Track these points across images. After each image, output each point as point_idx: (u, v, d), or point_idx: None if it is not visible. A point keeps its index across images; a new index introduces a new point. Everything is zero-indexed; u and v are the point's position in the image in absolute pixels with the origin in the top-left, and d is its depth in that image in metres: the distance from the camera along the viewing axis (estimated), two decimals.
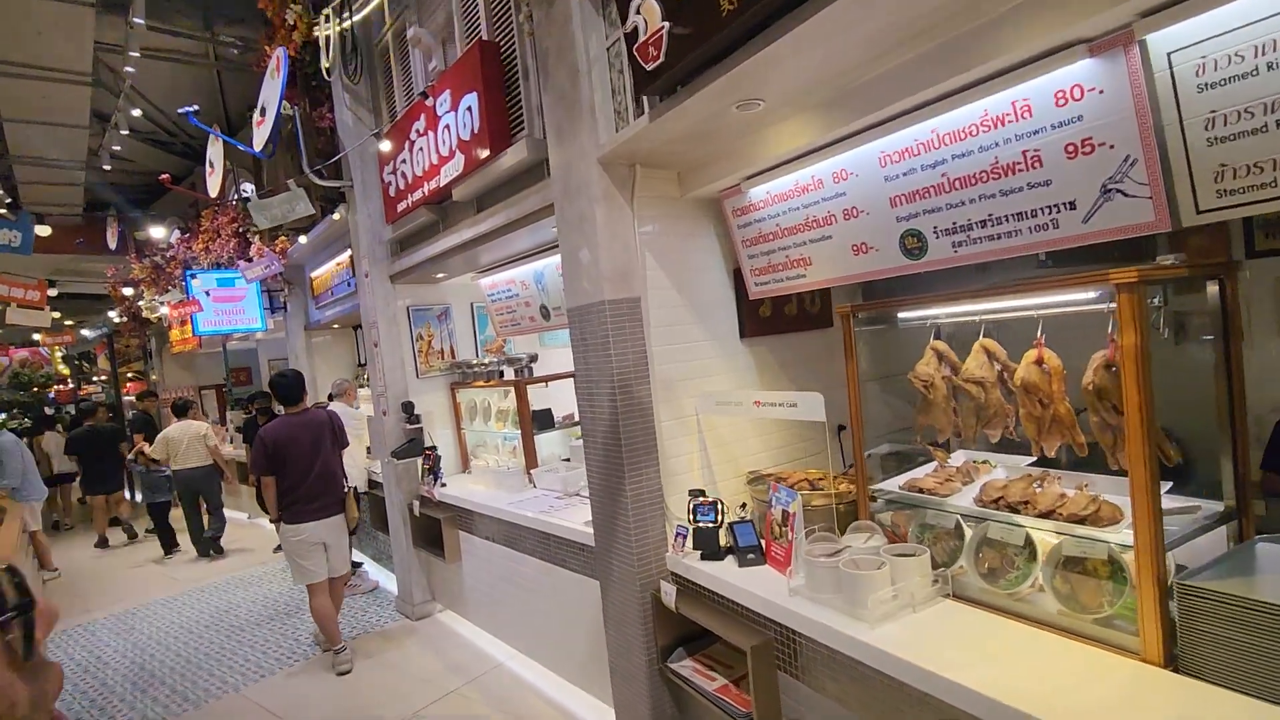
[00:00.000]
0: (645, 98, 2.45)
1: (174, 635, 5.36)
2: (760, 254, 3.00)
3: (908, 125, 2.19)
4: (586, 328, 2.95)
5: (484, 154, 3.50)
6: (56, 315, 6.17)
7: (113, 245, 10.66)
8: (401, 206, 4.52)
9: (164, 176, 6.61)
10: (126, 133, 7.22)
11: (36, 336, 9.15)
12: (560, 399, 5.14)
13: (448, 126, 3.75)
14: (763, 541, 2.68)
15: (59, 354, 20.35)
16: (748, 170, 2.79)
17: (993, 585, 2.09)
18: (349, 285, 6.07)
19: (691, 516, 2.78)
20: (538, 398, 4.89)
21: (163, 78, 7.42)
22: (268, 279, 7.08)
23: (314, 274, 6.87)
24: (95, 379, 20.92)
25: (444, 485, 4.94)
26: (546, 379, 4.87)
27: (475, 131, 3.50)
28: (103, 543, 8.73)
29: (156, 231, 6.00)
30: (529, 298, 4.66)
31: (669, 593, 2.74)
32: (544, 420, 4.82)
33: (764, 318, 3.38)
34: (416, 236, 4.69)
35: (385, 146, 4.32)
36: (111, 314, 7.17)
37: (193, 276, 6.82)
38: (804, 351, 3.60)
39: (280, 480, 4.34)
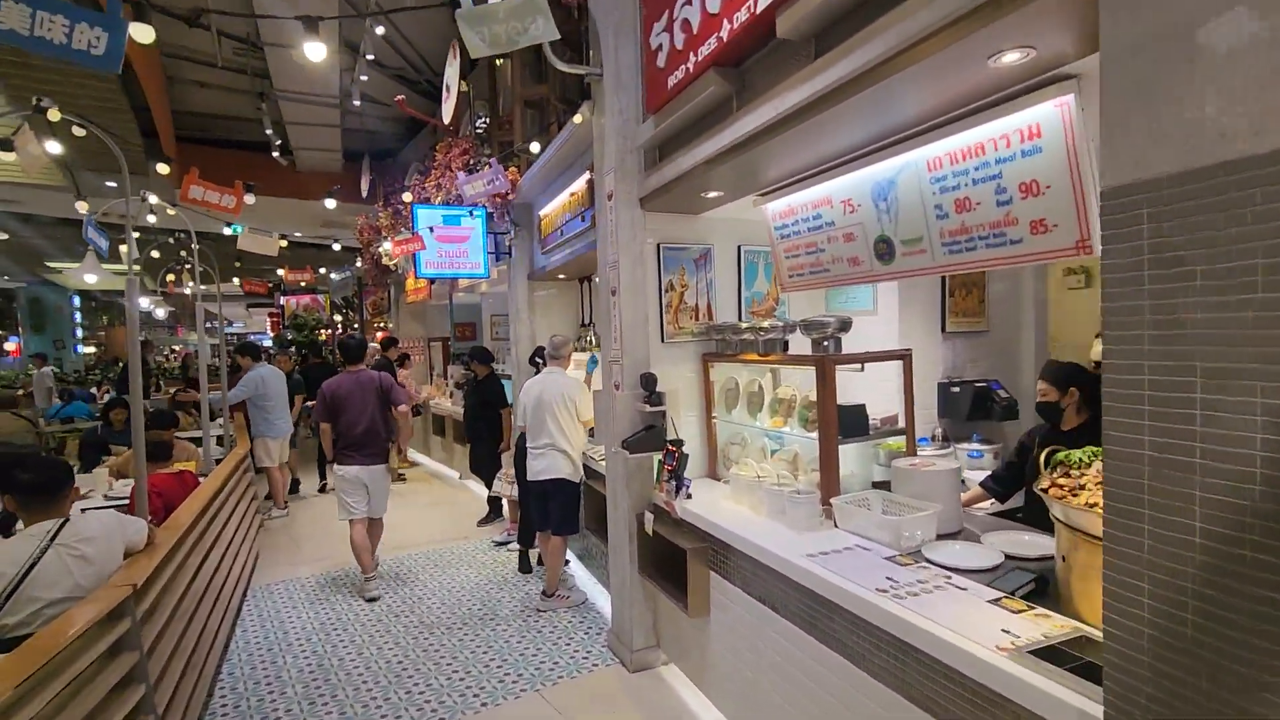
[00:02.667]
0: None
1: (360, 622, 4.56)
2: None
3: None
4: (1202, 225, 1.14)
5: None
6: (283, 243, 5.74)
7: (364, 193, 10.88)
8: (674, 79, 3.02)
9: (399, 99, 5.92)
10: (371, 57, 6.74)
11: (280, 271, 9.45)
12: (870, 391, 3.38)
13: None
14: None
15: (330, 300, 23.01)
16: None
17: None
18: (583, 220, 4.83)
19: None
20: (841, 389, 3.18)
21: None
22: (494, 216, 6.16)
23: (543, 211, 5.80)
24: (355, 325, 23.38)
25: (689, 498, 3.45)
26: (862, 359, 3.13)
27: None
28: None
29: (313, 50, 5.12)
30: (853, 227, 2.93)
31: None
32: (854, 423, 3.09)
33: None
34: (689, 131, 3.18)
35: None
36: (335, 244, 6.96)
37: (404, 203, 6.14)
38: None
39: (334, 428, 4.98)
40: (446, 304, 10.10)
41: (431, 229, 5.88)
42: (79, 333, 24.07)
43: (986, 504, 3.19)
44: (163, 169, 3.94)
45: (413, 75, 8.72)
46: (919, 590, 2.20)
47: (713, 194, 3.39)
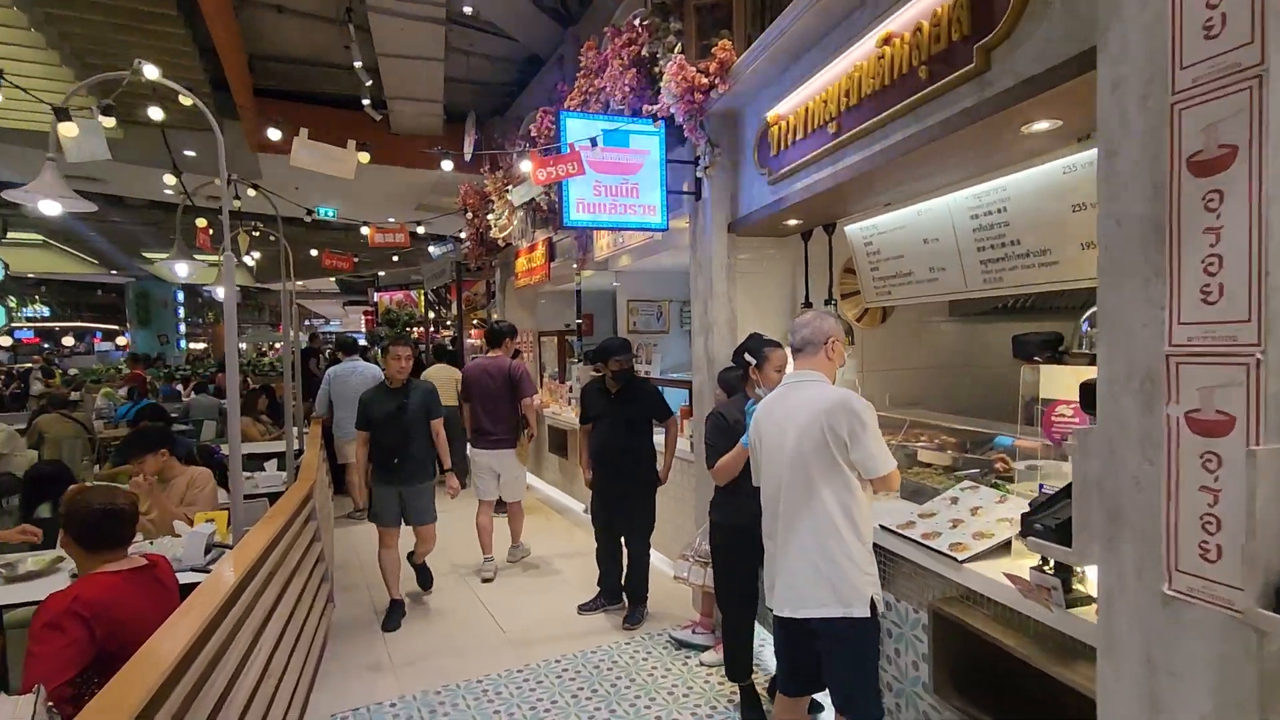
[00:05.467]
0: None
1: None
2: None
3: None
4: None
5: None
6: (364, 158, 3.78)
7: (468, 156, 9.00)
8: None
9: None
10: None
11: (365, 230, 7.60)
12: None
13: None
14: None
15: (424, 295, 21.87)
16: None
17: None
18: (916, 83, 2.44)
19: None
20: None
21: None
22: (682, 131, 3.88)
23: (775, 110, 3.47)
24: (449, 323, 22.11)
25: None
26: None
27: None
28: None
29: None
30: None
31: None
32: None
33: None
34: None
35: None
36: (446, 165, 4.98)
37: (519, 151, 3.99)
38: None
39: (471, 410, 5.05)
40: (568, 287, 8.00)
41: (594, 140, 3.64)
42: (182, 328, 23.96)
43: None
44: None
45: None
46: None
47: None
